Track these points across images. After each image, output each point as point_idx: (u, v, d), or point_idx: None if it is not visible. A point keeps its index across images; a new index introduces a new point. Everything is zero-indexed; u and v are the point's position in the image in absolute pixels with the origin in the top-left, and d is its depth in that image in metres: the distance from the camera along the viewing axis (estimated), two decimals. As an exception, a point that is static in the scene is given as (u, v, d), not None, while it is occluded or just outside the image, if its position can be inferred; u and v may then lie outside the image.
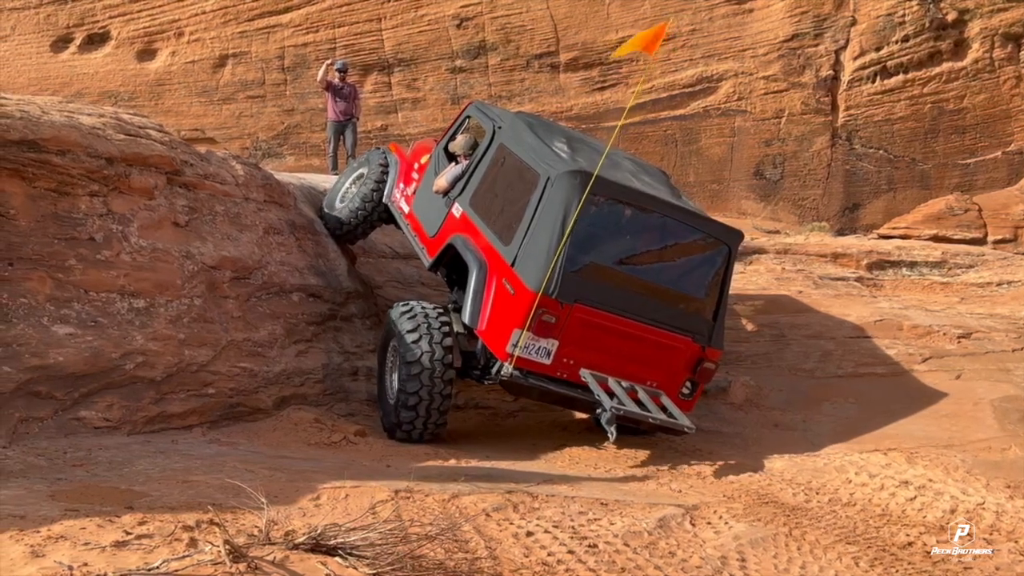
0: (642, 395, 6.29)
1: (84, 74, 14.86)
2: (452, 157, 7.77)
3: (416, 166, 8.24)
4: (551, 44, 14.60)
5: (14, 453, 4.88)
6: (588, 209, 6.22)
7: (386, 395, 6.83)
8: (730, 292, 6.81)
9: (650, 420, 6.14)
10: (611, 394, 6.16)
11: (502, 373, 6.19)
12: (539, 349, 6.17)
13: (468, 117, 8.04)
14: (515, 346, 6.10)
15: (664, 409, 6.31)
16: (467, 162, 7.46)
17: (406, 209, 8.09)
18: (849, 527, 5.08)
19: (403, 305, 6.87)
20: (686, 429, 6.22)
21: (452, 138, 7.92)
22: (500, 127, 7.30)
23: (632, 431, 6.68)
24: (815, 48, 14.49)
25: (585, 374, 6.25)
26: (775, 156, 14.66)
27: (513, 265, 6.32)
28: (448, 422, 6.68)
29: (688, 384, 6.61)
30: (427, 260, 7.51)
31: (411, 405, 6.42)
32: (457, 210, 7.20)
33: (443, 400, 6.48)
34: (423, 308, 6.73)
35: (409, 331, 6.55)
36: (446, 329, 6.58)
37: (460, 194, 7.25)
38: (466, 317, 6.51)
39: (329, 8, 14.65)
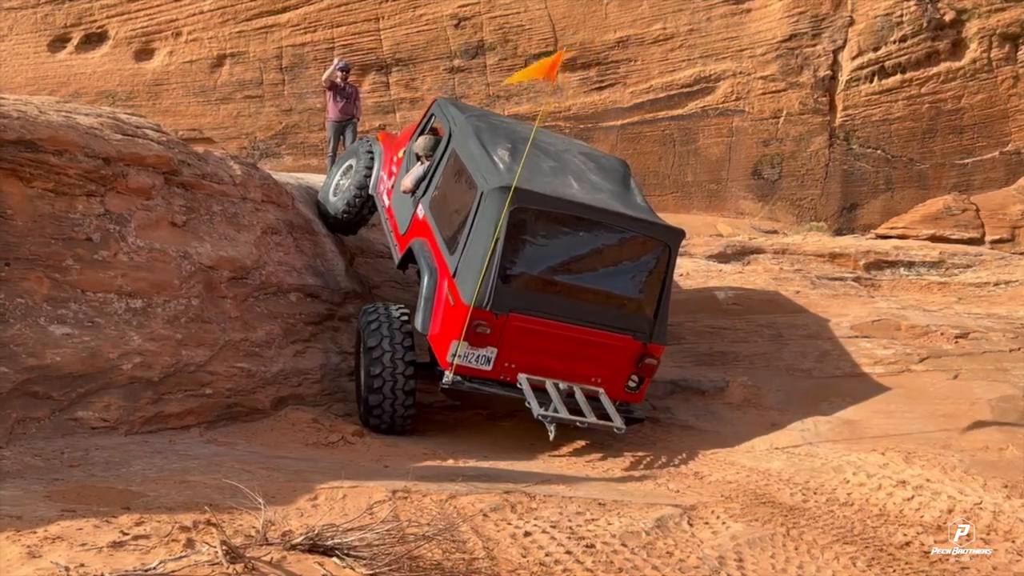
0: (578, 395, 6.46)
1: (81, 74, 14.83)
2: (419, 156, 7.75)
3: (395, 159, 8.22)
4: (549, 44, 14.58)
5: (11, 453, 4.87)
6: (518, 221, 6.33)
7: (360, 390, 6.99)
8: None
9: (577, 424, 6.26)
10: (548, 397, 6.31)
11: (443, 382, 6.35)
12: (479, 357, 6.35)
13: (433, 116, 8.01)
14: (455, 355, 6.26)
15: (602, 406, 6.48)
16: (429, 163, 7.45)
17: (387, 203, 8.09)
18: (846, 527, 5.08)
19: (370, 305, 7.16)
20: (615, 430, 6.43)
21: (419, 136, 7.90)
22: (454, 131, 7.31)
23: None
24: (813, 48, 14.50)
25: (521, 379, 6.40)
26: (773, 156, 14.66)
27: (454, 275, 6.45)
28: (416, 412, 6.82)
29: (634, 378, 6.79)
30: (397, 257, 7.62)
31: (376, 388, 6.61)
32: (421, 211, 7.26)
33: (406, 387, 6.65)
34: (386, 306, 7.01)
35: (371, 326, 6.80)
36: (405, 320, 6.82)
37: (423, 195, 7.29)
38: (418, 323, 6.66)
39: (327, 8, 14.64)
